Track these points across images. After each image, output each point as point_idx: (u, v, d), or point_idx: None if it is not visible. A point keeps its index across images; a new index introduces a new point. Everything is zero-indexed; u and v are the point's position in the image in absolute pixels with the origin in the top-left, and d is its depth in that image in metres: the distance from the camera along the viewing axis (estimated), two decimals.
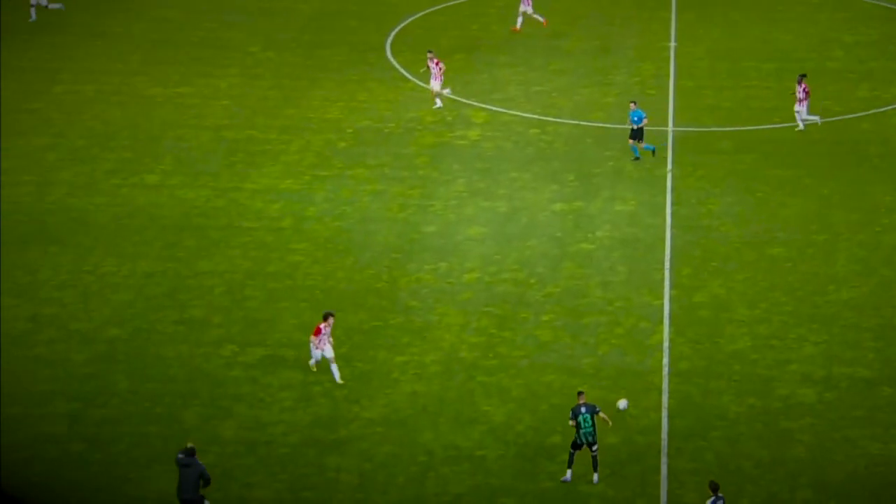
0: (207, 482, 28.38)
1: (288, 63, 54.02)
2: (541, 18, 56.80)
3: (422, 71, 50.00)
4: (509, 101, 50.69)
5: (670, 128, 48.22)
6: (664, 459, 31.10)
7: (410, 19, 58.27)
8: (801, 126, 47.13)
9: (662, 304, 37.19)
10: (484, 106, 50.33)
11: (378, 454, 31.27)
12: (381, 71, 53.16)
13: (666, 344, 35.38)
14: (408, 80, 52.44)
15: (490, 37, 57.09)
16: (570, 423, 30.13)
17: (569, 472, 30.19)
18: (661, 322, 36.38)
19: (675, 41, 56.60)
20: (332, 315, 33.76)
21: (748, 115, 48.88)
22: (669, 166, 45.22)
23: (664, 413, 32.71)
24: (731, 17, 59.36)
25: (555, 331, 36.06)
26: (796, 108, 46.99)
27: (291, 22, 58.38)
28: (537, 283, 38.32)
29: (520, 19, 56.80)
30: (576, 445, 30.10)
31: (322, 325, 33.48)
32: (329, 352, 33.58)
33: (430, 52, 49.52)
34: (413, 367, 34.59)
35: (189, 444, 28.59)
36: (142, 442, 31.42)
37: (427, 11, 59.75)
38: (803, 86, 46.71)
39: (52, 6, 56.26)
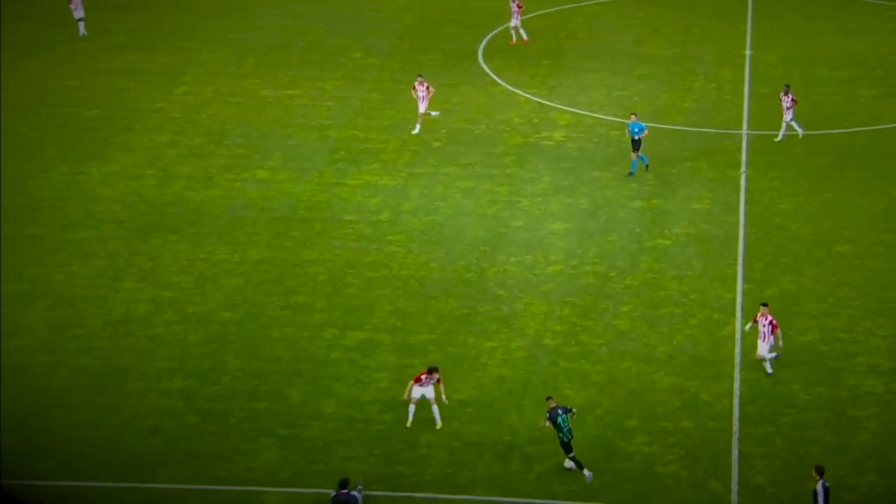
0: None
1: (388, 68, 54.13)
2: (524, 36, 55.71)
3: (416, 97, 46.97)
4: (593, 104, 50.34)
5: (744, 131, 47.57)
6: (735, 443, 30.74)
7: (501, 28, 58.03)
8: (798, 131, 46.14)
9: (735, 298, 36.72)
10: (569, 109, 50.04)
11: (467, 433, 31.26)
12: (474, 76, 53.10)
13: (738, 335, 34.94)
14: (498, 84, 52.32)
15: (576, 44, 56.78)
16: (545, 424, 29.54)
17: (585, 471, 29.42)
18: (734, 314, 35.92)
19: (751, 49, 55.83)
20: (436, 370, 31.53)
21: (820, 120, 48.07)
22: (743, 168, 44.64)
23: (735, 400, 32.32)
24: (806, 28, 58.41)
25: (633, 321, 35.77)
26: (785, 118, 46.01)
27: (392, 30, 58.49)
28: (617, 276, 38.04)
29: (520, 32, 55.73)
30: (566, 446, 29.53)
31: (424, 376, 31.48)
32: (430, 393, 31.57)
33: (420, 76, 47.20)
34: (500, 353, 34.52)
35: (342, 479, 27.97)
36: (251, 417, 31.70)
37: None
38: (790, 96, 45.79)
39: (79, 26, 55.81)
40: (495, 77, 53.16)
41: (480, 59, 55.04)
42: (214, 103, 50.04)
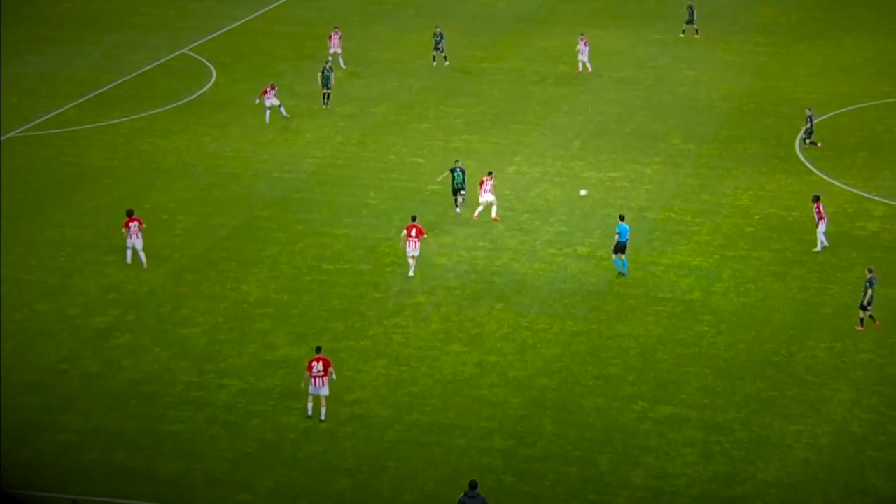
0: None
1: (705, 154, 53.34)
2: None
3: None
4: None
5: None
6: None
7: (819, 120, 55.99)
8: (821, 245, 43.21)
9: None
10: (885, 201, 47.78)
11: None
12: (790, 164, 51.62)
13: None
14: (813, 174, 50.62)
15: (894, 137, 54.23)
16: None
17: None
18: None
19: None
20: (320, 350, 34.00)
21: None
22: None
23: None
24: None
25: None
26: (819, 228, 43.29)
27: (712, 118, 57.63)
28: None
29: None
30: None
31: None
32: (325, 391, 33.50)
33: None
34: (806, 437, 33.15)
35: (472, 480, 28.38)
36: (563, 480, 31.63)
37: (836, 112, 57.37)
38: (817, 206, 42.97)
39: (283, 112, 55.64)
40: (811, 166, 51.46)
41: (797, 149, 53.38)
42: (541, 182, 50.61)
